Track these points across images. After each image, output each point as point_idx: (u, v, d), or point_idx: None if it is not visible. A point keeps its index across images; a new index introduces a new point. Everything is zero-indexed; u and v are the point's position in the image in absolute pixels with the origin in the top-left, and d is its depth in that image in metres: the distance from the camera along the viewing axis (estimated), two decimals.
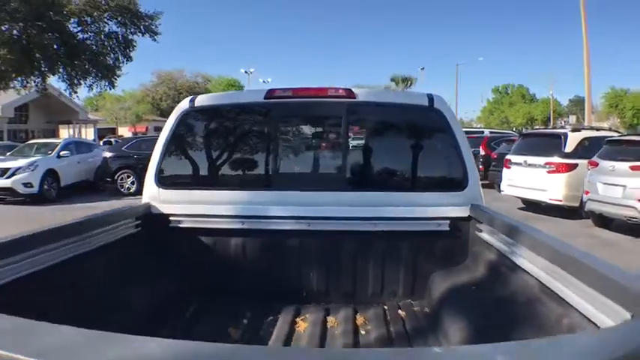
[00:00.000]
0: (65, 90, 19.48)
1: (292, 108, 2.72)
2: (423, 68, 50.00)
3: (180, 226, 2.59)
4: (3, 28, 14.65)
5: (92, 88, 19.10)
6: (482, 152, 11.96)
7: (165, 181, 2.69)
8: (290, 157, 2.87)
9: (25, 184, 10.96)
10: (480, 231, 2.23)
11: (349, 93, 2.54)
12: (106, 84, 18.86)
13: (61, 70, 17.70)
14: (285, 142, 2.89)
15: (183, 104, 2.73)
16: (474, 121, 60.25)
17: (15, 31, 15.20)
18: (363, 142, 2.81)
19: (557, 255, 1.49)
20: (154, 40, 18.24)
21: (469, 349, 1.06)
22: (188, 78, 48.04)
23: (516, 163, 8.71)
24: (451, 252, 2.45)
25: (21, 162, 11.95)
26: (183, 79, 47.37)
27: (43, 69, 16.83)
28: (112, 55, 18.11)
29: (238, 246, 2.54)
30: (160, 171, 2.68)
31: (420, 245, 2.42)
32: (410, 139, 2.69)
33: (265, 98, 2.62)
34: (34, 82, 17.77)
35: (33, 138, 22.53)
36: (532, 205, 8.67)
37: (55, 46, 16.27)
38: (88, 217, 2.24)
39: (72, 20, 16.59)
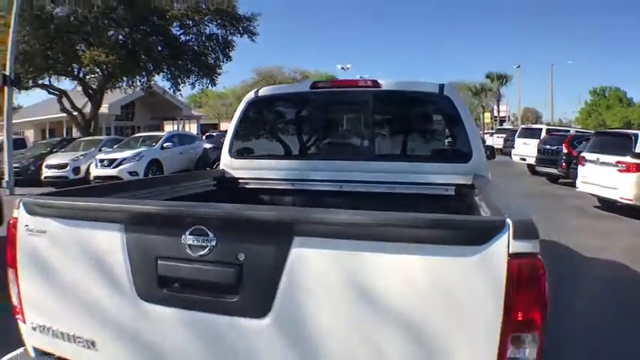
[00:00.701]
0: (169, 88, 22.33)
1: (330, 96, 3.43)
2: (518, 66, 49.28)
3: (246, 186, 3.46)
4: (109, 33, 17.33)
5: (194, 86, 21.72)
6: (564, 150, 12.40)
7: (235, 153, 3.55)
8: (328, 134, 3.62)
9: (131, 173, 12.79)
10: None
11: (375, 83, 3.19)
12: (208, 82, 21.35)
13: (165, 70, 20.43)
14: (325, 122, 3.63)
15: (250, 95, 3.55)
16: (573, 122, 59.57)
17: (121, 36, 17.90)
18: (386, 122, 3.45)
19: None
20: (252, 40, 20.21)
21: None
22: (287, 75, 51.00)
23: (590, 161, 9.21)
24: (455, 213, 2.80)
25: (127, 153, 14.08)
26: (282, 76, 50.20)
27: (148, 69, 19.51)
28: (213, 55, 20.29)
29: (289, 202, 3.31)
30: (232, 145, 3.55)
31: (430, 206, 2.79)
32: (424, 120, 3.37)
33: (310, 88, 3.38)
34: (140, 81, 20.66)
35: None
36: (607, 204, 8.95)
37: (159, 48, 18.77)
38: (180, 174, 3.13)
39: (174, 24, 19.04)
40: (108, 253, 1.63)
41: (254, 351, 1.43)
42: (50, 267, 1.76)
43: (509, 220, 1.27)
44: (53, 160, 15.44)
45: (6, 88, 11.35)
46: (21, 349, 1.94)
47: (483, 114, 54.15)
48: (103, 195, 2.20)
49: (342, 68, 46.17)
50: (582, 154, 9.68)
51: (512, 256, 1.24)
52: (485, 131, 38.50)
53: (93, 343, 1.68)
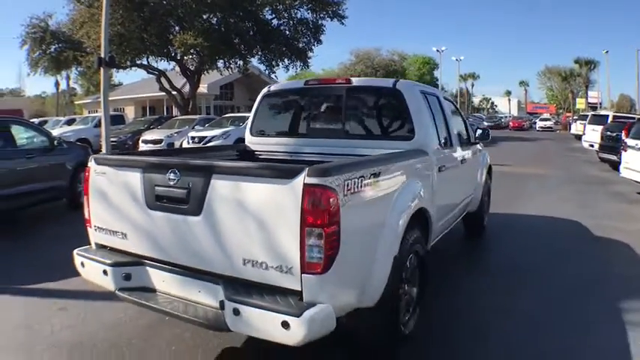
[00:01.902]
0: (265, 70, 24.94)
1: (317, 90, 4.95)
2: (607, 51, 50.57)
3: (260, 157, 5.00)
4: (202, 18, 19.89)
5: (288, 69, 24.21)
6: (623, 137, 12.69)
7: (254, 132, 5.18)
8: (314, 119, 5.00)
9: None
10: None
11: (348, 81, 4.64)
12: (301, 65, 23.65)
13: (258, 53, 22.97)
14: (313, 110, 5.05)
15: (265, 90, 5.16)
16: None
17: (215, 20, 20.47)
18: (354, 109, 4.77)
19: None
20: (342, 23, 22.28)
21: None
22: (384, 56, 54.63)
23: (631, 147, 9.84)
24: None
25: (216, 131, 16.50)
26: (380, 58, 54.07)
27: (242, 52, 22.07)
28: (304, 39, 22.57)
29: None
30: (251, 127, 5.20)
31: None
32: (381, 107, 4.68)
33: (304, 85, 4.96)
34: (236, 63, 23.37)
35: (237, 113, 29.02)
36: None
37: (251, 33, 21.23)
38: (216, 146, 4.76)
39: (266, 9, 21.38)
40: (133, 184, 3.17)
41: (195, 232, 2.87)
42: (105, 193, 3.38)
43: (306, 167, 2.54)
44: (149, 135, 18.49)
45: (102, 69, 13.82)
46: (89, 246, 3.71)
47: (573, 99, 54.03)
48: (160, 156, 3.83)
49: (437, 50, 50.21)
50: (624, 140, 10.38)
51: (306, 185, 2.50)
52: (574, 117, 38.98)
53: (125, 235, 3.29)
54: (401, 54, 55.93)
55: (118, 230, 3.35)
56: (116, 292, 3.21)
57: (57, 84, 51.51)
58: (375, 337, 3.31)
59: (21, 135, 7.75)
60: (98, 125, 17.42)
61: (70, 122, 24.89)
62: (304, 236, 2.50)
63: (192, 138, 16.68)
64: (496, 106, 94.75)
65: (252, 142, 5.17)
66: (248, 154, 5.07)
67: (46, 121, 28.16)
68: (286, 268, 2.57)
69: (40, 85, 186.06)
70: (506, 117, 60.03)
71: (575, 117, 38.76)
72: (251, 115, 5.26)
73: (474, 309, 4.31)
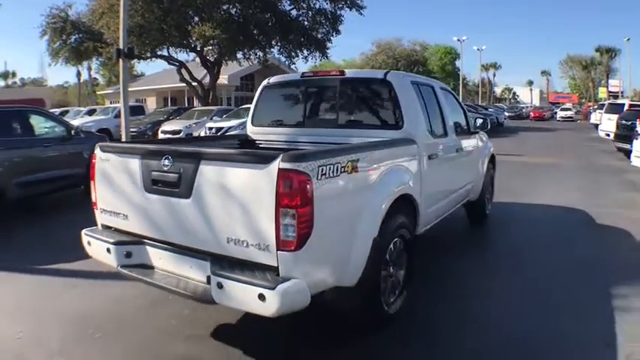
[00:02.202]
0: (284, 61, 25.26)
1: (313, 81, 5.19)
2: (628, 39, 51.85)
3: (261, 145, 5.29)
4: (221, 9, 20.21)
5: (307, 60, 24.45)
6: (638, 126, 12.71)
7: (254, 122, 5.48)
8: (309, 109, 5.21)
9: None
10: None
11: (341, 72, 4.87)
12: (320, 55, 23.88)
13: (277, 44, 23.27)
14: (309, 101, 5.24)
15: (264, 82, 5.44)
16: None
17: (234, 11, 20.79)
18: (347, 100, 4.97)
19: None
20: (360, 13, 22.49)
21: None
22: (406, 46, 55.36)
23: None
24: None
25: (233, 122, 16.84)
26: (401, 48, 54.75)
27: (260, 43, 22.40)
28: (322, 30, 22.78)
29: None
30: (252, 117, 5.50)
31: None
32: (373, 98, 4.85)
33: (301, 77, 5.26)
34: (256, 54, 23.72)
35: None
36: None
37: (269, 24, 21.49)
38: (220, 136, 5.10)
39: (285, 0, 21.67)
40: (133, 170, 3.48)
41: (186, 213, 3.17)
42: (109, 178, 3.71)
43: (281, 153, 2.80)
44: (168, 126, 18.98)
45: (121, 61, 14.23)
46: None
47: (594, 89, 53.90)
48: (156, 144, 4.16)
49: (458, 40, 50.75)
50: (637, 128, 10.49)
51: (280, 170, 2.75)
52: (594, 107, 38.84)
53: (126, 216, 3.60)
54: (422, 44, 56.54)
55: (120, 212, 3.67)
56: (118, 268, 3.54)
57: (78, 74, 52.81)
58: (359, 315, 3.59)
59: (39, 124, 8.18)
60: (118, 116, 17.92)
61: (90, 112, 25.54)
62: (279, 216, 2.78)
63: (210, 128, 17.09)
64: (518, 96, 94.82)
65: (253, 132, 5.48)
66: (249, 144, 5.37)
67: (67, 111, 28.93)
68: (264, 246, 2.85)
69: (62, 74, 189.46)
70: (527, 107, 59.89)
71: (595, 106, 38.52)
72: (252, 106, 5.56)
73: (464, 291, 4.55)
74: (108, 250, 3.60)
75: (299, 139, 4.94)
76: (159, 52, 23.77)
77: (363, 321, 3.63)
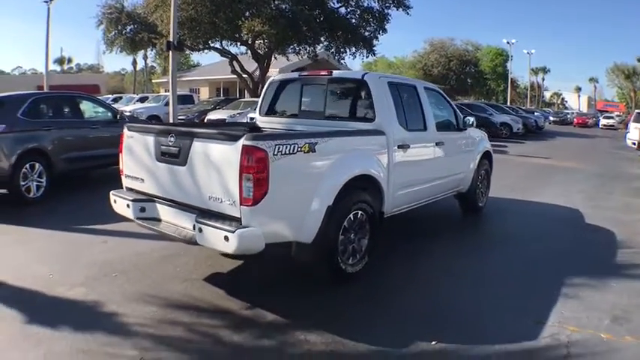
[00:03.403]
0: (334, 57, 26.36)
1: (308, 79, 6.27)
2: None
3: (266, 132, 6.27)
4: (272, 5, 21.44)
5: (355, 56, 25.47)
6: None
7: (262, 112, 6.59)
8: (305, 103, 6.27)
9: None
10: None
11: (330, 72, 5.90)
12: (367, 53, 24.85)
13: (325, 40, 24.37)
14: (304, 96, 6.29)
15: (270, 79, 6.58)
16: None
17: (284, 7, 22.04)
18: (333, 96, 6.02)
19: None
20: (407, 13, 23.38)
21: None
22: (458, 46, 56.28)
23: None
24: None
25: None
26: (454, 47, 55.73)
27: (308, 39, 23.57)
28: (369, 28, 23.71)
29: None
30: (260, 108, 6.62)
31: None
32: (353, 94, 5.89)
33: (299, 76, 6.32)
34: (306, 49, 24.92)
35: None
36: None
37: (318, 20, 22.64)
38: (229, 122, 6.37)
39: None
40: (149, 144, 4.65)
41: (182, 177, 4.31)
42: (132, 150, 4.90)
43: (247, 133, 3.85)
44: (213, 115, 20.47)
45: (170, 52, 15.75)
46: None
47: (635, 98, 52.29)
48: (175, 126, 5.37)
49: (508, 42, 51.92)
50: None
51: (244, 146, 3.79)
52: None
53: (142, 180, 4.81)
54: (475, 44, 57.40)
55: (138, 176, 4.89)
56: (135, 219, 4.74)
57: (134, 62, 55.98)
58: (316, 268, 4.65)
59: (89, 109, 9.64)
60: (168, 104, 19.57)
61: (142, 100, 27.52)
62: (242, 180, 3.84)
63: (251, 118, 18.34)
64: (566, 101, 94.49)
65: (260, 120, 6.60)
66: (255, 130, 6.47)
67: (120, 98, 31.18)
68: (232, 202, 3.93)
69: (119, 62, 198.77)
70: (572, 113, 59.44)
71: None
72: (260, 99, 6.70)
73: (429, 266, 5.51)
74: (127, 205, 4.81)
75: (295, 127, 5.98)
76: (211, 44, 25.28)
77: (321, 274, 4.69)
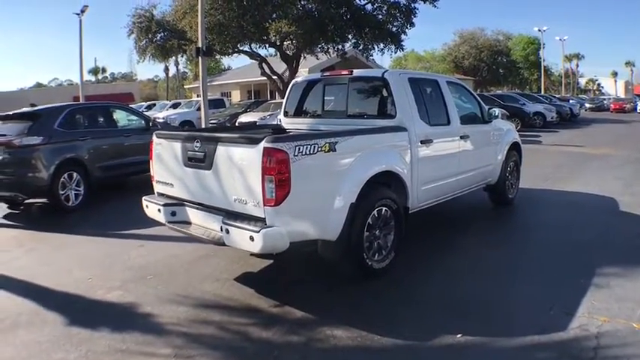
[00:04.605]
0: (361, 54, 26.34)
1: (330, 79, 6.37)
2: None
3: (290, 133, 6.32)
4: (298, 6, 21.62)
5: (383, 52, 25.39)
6: None
7: (286, 114, 6.76)
8: (328, 103, 6.38)
9: None
10: None
11: (350, 72, 5.99)
12: (395, 48, 24.74)
13: (352, 38, 24.36)
14: (327, 96, 6.40)
15: (293, 81, 6.76)
16: None
17: (311, 6, 22.20)
18: (355, 94, 6.06)
19: None
20: (434, 6, 23.17)
21: None
22: (489, 36, 55.40)
23: None
24: None
25: None
26: (484, 38, 54.95)
27: (335, 38, 23.64)
28: (397, 23, 23.61)
29: None
30: (284, 110, 6.79)
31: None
32: (374, 92, 5.94)
33: (321, 77, 6.43)
34: (334, 48, 24.99)
35: None
36: None
37: (344, 18, 22.69)
38: (254, 125, 6.90)
39: None
40: (176, 150, 4.83)
41: (208, 181, 4.49)
42: (161, 156, 5.10)
43: (267, 136, 3.98)
44: (244, 118, 20.82)
45: (200, 58, 16.09)
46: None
47: None
48: (204, 132, 5.59)
49: (539, 30, 51.29)
50: None
51: (264, 148, 3.92)
52: None
53: (172, 185, 5.00)
54: (506, 34, 56.64)
55: (168, 182, 5.09)
56: (166, 223, 4.95)
57: (166, 69, 57.10)
58: (342, 265, 4.77)
59: (122, 118, 10.00)
60: (200, 109, 19.96)
61: (175, 106, 28.12)
62: (264, 181, 3.98)
63: (280, 120, 18.63)
64: (602, 87, 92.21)
65: (284, 122, 6.75)
66: (281, 132, 6.61)
67: (154, 104, 31.90)
68: (256, 203, 4.07)
69: (152, 69, 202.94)
70: (608, 99, 57.80)
71: None
72: (284, 100, 6.85)
73: (453, 258, 5.55)
74: (159, 210, 5.02)
75: (318, 127, 6.09)
76: (240, 48, 25.64)
77: (347, 270, 4.81)
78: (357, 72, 6.07)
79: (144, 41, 26.89)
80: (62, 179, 8.10)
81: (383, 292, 4.62)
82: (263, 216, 4.06)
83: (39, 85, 76.33)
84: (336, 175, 4.47)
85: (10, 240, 6.90)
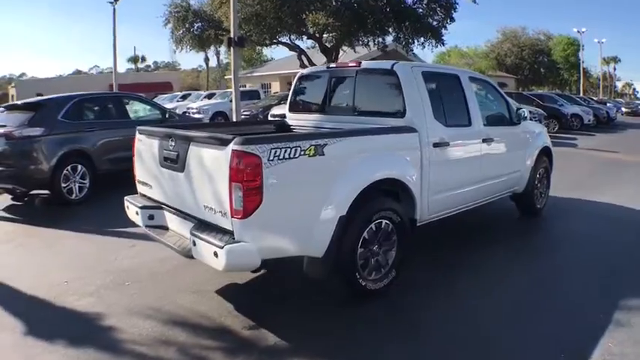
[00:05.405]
0: (402, 48, 25.63)
1: (336, 72, 5.77)
2: None
3: (294, 129, 6.00)
4: None
5: (424, 47, 24.65)
6: None
7: (291, 109, 6.24)
8: (334, 98, 5.82)
9: None
10: None
11: (359, 64, 5.40)
12: (436, 42, 23.96)
13: (392, 31, 23.69)
14: (333, 90, 5.83)
15: (299, 73, 6.23)
16: None
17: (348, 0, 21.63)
18: (363, 89, 5.46)
19: None
20: (474, 1, 22.67)
21: None
22: (530, 35, 56.07)
23: None
24: None
25: None
26: (526, 37, 55.56)
27: (374, 31, 23.01)
28: (436, 17, 22.87)
29: None
30: (289, 105, 6.28)
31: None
32: (382, 87, 5.32)
33: (327, 68, 5.88)
34: (374, 41, 24.37)
35: None
36: None
37: (384, 11, 22.02)
38: (260, 121, 6.33)
39: None
40: (154, 148, 4.40)
41: (181, 184, 4.03)
42: (142, 154, 4.70)
43: (236, 136, 3.45)
44: (277, 110, 20.34)
45: (232, 49, 15.77)
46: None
47: None
48: (203, 127, 5.18)
49: (578, 31, 51.63)
50: None
51: (233, 151, 3.40)
52: None
53: (151, 186, 4.62)
54: (546, 33, 57.32)
55: (147, 182, 4.67)
56: (144, 227, 4.55)
57: (206, 59, 57.36)
58: (331, 284, 4.23)
59: (134, 108, 9.71)
60: None
61: (210, 96, 28.00)
62: (232, 189, 3.47)
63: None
64: (637, 92, 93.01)
65: (290, 117, 6.22)
66: (284, 129, 6.12)
67: (189, 94, 31.92)
68: (224, 213, 3.58)
69: (196, 59, 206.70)
70: None
71: None
72: (290, 94, 6.34)
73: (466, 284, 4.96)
74: (137, 212, 4.61)
75: (324, 125, 5.55)
76: (279, 39, 25.29)
77: (344, 288, 4.28)
78: (365, 63, 5.48)
79: (181, 31, 26.75)
80: (65, 172, 7.83)
81: (376, 320, 4.08)
82: (231, 229, 3.58)
83: (78, 72, 78.35)
84: (323, 183, 3.91)
85: (2, 234, 6.69)
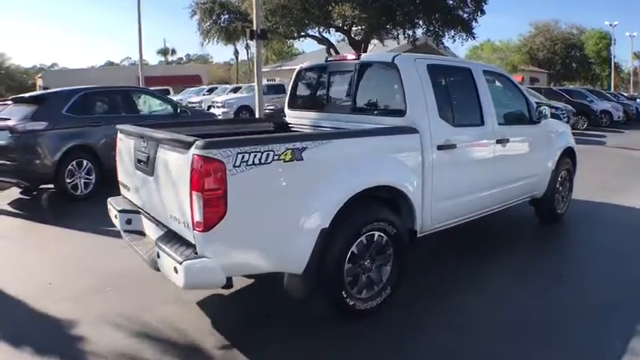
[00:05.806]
0: (433, 41, 25.00)
1: (335, 65, 5.44)
2: None
3: (293, 128, 5.72)
4: None
5: (454, 40, 24.01)
6: None
7: (290, 106, 5.93)
8: (333, 95, 5.51)
9: None
10: None
11: (358, 56, 5.06)
12: (466, 36, 23.29)
13: (421, 24, 23.13)
14: (332, 85, 5.51)
15: (298, 68, 5.90)
16: None
17: None
18: (362, 83, 5.08)
19: None
20: None
21: None
22: (563, 29, 55.81)
23: None
24: None
25: None
26: (558, 30, 55.30)
27: (403, 24, 22.47)
28: (466, 9, 22.25)
29: None
30: (288, 101, 5.96)
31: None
32: (383, 83, 4.99)
33: (326, 62, 5.57)
34: (404, 33, 23.82)
35: None
36: None
37: (413, 3, 21.48)
38: (257, 119, 6.06)
39: None
40: (131, 149, 4.19)
41: (151, 189, 3.78)
42: (122, 155, 4.47)
43: (197, 140, 3.14)
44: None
45: (254, 41, 15.55)
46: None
47: None
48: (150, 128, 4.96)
49: (610, 25, 50.55)
50: None
51: (193, 155, 3.09)
52: None
53: (128, 188, 4.40)
54: (579, 27, 56.85)
55: (126, 184, 4.47)
56: (121, 232, 4.33)
57: (236, 52, 57.53)
58: (327, 302, 3.91)
59: (145, 103, 9.57)
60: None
61: (235, 90, 27.89)
62: (192, 198, 3.16)
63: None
64: None
65: (289, 115, 5.92)
66: (282, 127, 5.82)
67: (215, 88, 31.88)
68: (187, 224, 3.29)
69: (228, 52, 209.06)
70: None
71: None
72: (288, 90, 6.03)
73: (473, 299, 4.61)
74: (115, 216, 4.41)
75: (322, 123, 5.23)
76: (307, 32, 24.95)
77: (330, 306, 3.93)
78: (365, 56, 5.13)
79: (207, 23, 26.56)
80: (70, 167, 7.73)
81: (367, 342, 3.76)
82: (194, 242, 3.29)
83: (110, 63, 79.45)
84: (301, 192, 3.54)
85: (2, 230, 6.65)
